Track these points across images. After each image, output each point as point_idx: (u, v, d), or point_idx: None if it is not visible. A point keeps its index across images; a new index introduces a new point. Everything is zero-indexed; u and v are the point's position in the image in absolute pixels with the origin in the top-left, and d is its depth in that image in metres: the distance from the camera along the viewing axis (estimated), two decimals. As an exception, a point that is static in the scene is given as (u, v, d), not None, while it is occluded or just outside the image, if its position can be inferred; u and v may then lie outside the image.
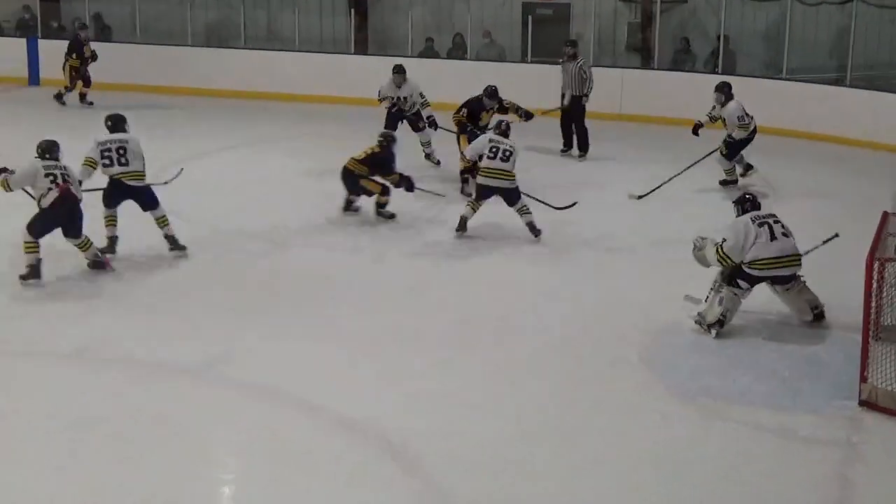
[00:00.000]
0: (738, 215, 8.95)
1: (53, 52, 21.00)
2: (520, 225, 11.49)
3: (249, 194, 13.36)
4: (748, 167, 13.62)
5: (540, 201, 11.90)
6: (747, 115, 13.20)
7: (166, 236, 10.52)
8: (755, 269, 8.60)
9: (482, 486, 6.48)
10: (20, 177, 9.86)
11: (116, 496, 6.32)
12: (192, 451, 6.98)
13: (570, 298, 9.78)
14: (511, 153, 11.38)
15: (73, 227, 9.96)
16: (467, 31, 20.33)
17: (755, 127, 13.29)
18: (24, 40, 21.64)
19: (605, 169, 14.89)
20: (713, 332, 8.67)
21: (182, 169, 11.47)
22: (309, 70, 19.58)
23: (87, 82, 18.99)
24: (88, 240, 10.03)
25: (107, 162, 10.39)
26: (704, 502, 6.42)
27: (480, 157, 11.53)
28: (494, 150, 11.37)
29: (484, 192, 11.55)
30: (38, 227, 9.75)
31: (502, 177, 11.33)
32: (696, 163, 13.16)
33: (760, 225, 8.64)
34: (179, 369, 8.16)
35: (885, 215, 8.68)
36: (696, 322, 8.84)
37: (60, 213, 9.84)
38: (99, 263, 10.11)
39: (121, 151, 10.34)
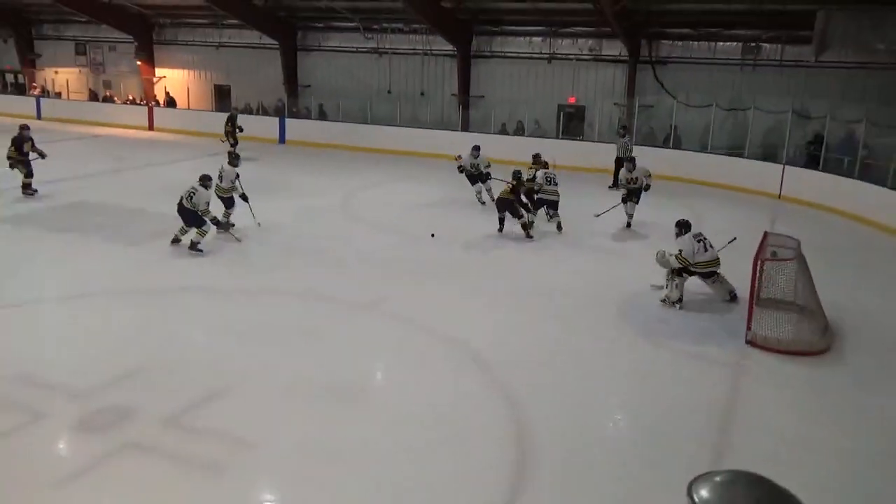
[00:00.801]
0: (679, 233, 8.67)
1: (294, 126, 21.52)
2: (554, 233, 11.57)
3: (401, 208, 13.43)
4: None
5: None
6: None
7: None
8: (696, 268, 8.51)
9: (527, 378, 6.66)
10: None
11: (209, 351, 6.76)
12: (352, 351, 7.20)
13: (583, 275, 9.78)
14: (556, 179, 11.81)
15: (186, 223, 9.94)
16: (525, 120, 20.30)
17: None
18: (277, 118, 22.11)
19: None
20: (678, 306, 8.52)
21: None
22: (434, 140, 19.61)
23: (234, 145, 17.77)
24: (184, 232, 10.00)
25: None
26: (655, 394, 6.55)
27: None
28: (549, 178, 11.68)
29: (538, 203, 11.85)
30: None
31: (552, 194, 11.69)
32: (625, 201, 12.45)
33: (698, 241, 8.51)
34: (355, 304, 8.34)
35: (766, 234, 8.67)
36: (663, 302, 8.63)
37: (179, 212, 9.92)
38: (196, 248, 9.88)
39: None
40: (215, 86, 25.66)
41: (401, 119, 20.87)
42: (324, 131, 21.12)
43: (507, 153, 18.43)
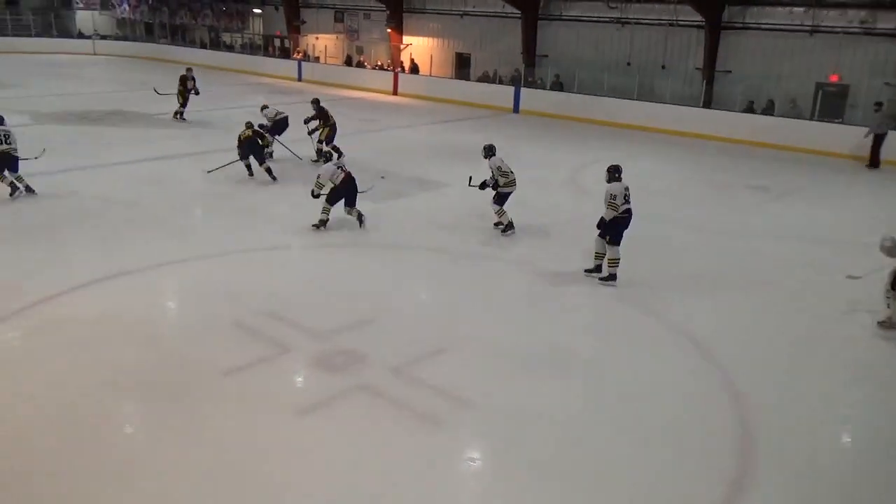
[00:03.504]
0: None
1: (529, 95, 21.64)
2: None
3: (633, 187, 12.91)
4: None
5: None
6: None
7: None
8: None
9: (750, 368, 6.30)
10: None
11: (434, 309, 7.05)
12: (570, 323, 7.25)
13: (810, 264, 8.86)
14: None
15: (351, 199, 9.52)
16: (777, 98, 18.73)
17: None
18: (512, 87, 22.33)
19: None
20: None
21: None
22: (674, 116, 18.87)
23: (184, 105, 17.35)
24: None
25: None
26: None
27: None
28: (508, 170, 9.48)
29: (502, 199, 9.59)
30: (332, 197, 9.44)
31: (512, 185, 9.52)
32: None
33: None
34: (575, 278, 8.24)
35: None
36: (881, 325, 7.04)
37: (346, 189, 9.44)
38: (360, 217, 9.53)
39: None
40: (456, 54, 26.55)
41: (638, 93, 20.25)
42: (558, 102, 21.05)
43: (750, 134, 17.30)
